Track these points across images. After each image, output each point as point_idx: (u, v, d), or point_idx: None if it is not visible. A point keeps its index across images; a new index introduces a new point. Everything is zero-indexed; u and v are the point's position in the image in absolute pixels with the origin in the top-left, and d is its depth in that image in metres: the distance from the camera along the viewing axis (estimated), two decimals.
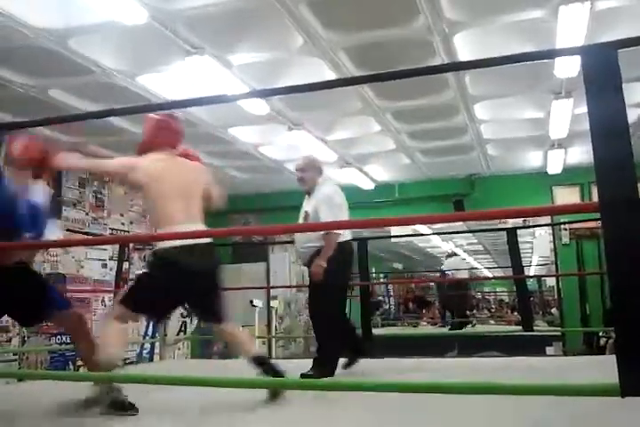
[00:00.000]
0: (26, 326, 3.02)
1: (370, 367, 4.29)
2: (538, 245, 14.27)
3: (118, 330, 2.98)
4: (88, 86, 5.35)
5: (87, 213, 7.97)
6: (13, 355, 6.67)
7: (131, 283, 3.09)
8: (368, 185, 9.28)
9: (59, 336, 7.12)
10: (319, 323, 4.19)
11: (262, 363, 3.06)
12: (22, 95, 5.43)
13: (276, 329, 10.36)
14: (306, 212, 4.19)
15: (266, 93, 4.79)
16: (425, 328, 12.28)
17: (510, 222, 8.73)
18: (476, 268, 19.86)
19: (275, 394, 2.96)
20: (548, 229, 9.95)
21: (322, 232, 3.96)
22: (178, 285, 2.96)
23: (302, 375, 3.76)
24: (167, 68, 5.06)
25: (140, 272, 3.12)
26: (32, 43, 4.46)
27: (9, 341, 6.57)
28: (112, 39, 4.55)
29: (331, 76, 5.19)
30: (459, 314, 10.79)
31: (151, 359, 6.66)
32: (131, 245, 7.75)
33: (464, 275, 11.39)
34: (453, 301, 10.82)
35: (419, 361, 5.01)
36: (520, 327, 6.93)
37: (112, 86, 5.29)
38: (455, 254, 12.24)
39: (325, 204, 4.07)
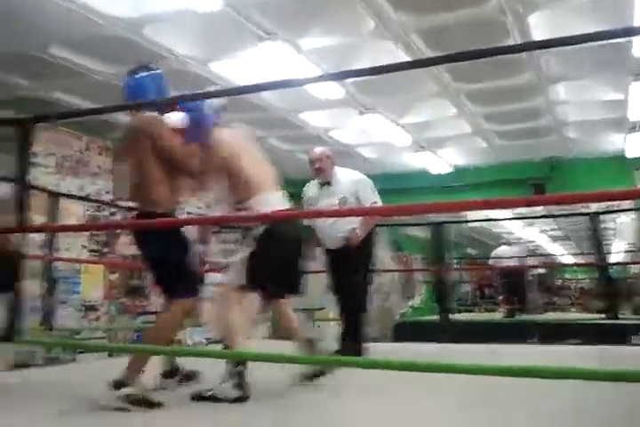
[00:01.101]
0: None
1: (446, 352, 4.27)
2: (621, 231, 13.76)
3: (244, 316, 2.94)
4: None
5: None
6: (103, 332, 7.01)
7: (238, 266, 2.99)
8: (443, 169, 9.18)
9: (144, 315, 7.44)
10: (356, 305, 4.25)
11: (312, 346, 3.06)
12: (101, 82, 5.62)
13: None
14: (344, 197, 4.16)
15: (338, 76, 4.77)
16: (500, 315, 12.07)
17: (592, 207, 8.45)
18: (553, 254, 19.34)
19: (316, 374, 2.94)
20: (632, 215, 9.58)
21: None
22: (285, 253, 2.97)
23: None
24: (240, 55, 5.14)
25: (247, 253, 2.98)
26: (108, 31, 4.62)
27: (98, 319, 6.91)
28: (186, 26, 4.66)
29: (404, 58, 5.13)
30: (515, 301, 10.57)
31: None
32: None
33: (513, 262, 11.17)
34: (506, 288, 10.63)
35: (496, 347, 4.95)
36: (603, 315, 6.73)
37: (186, 73, 5.40)
38: (507, 244, 12.04)
39: (368, 186, 4.26)
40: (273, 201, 2.97)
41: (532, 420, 2.34)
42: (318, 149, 4.46)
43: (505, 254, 10.92)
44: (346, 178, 4.26)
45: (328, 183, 4.29)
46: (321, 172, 4.29)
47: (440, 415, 2.50)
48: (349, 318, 4.23)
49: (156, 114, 3.01)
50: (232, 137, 3.15)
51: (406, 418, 2.42)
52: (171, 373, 3.17)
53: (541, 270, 12.45)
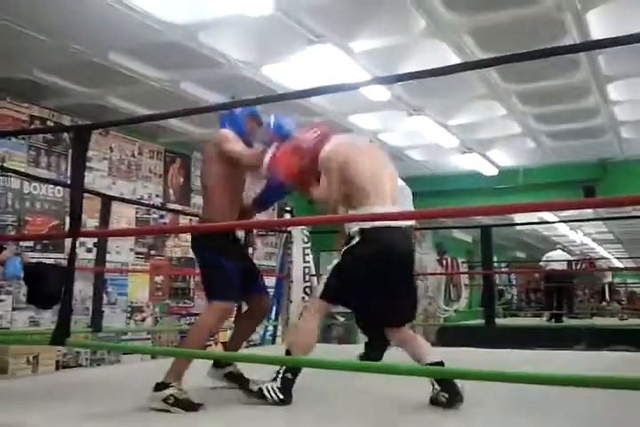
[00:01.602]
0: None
1: (492, 358, 4.20)
2: None
3: (315, 327, 2.89)
4: (217, 78, 5.54)
5: None
6: (147, 334, 7.09)
7: (326, 276, 2.93)
8: (491, 171, 9.02)
9: (188, 317, 7.50)
10: None
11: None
12: (155, 89, 5.70)
13: None
14: None
15: (389, 80, 4.73)
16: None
17: None
18: (604, 257, 18.86)
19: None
20: None
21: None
22: (380, 267, 2.80)
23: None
24: (290, 58, 5.13)
25: (336, 263, 2.91)
26: (163, 37, 4.66)
27: (143, 320, 6.99)
28: (239, 31, 4.67)
29: (454, 59, 5.06)
30: (562, 306, 10.33)
31: (274, 342, 6.85)
32: (254, 231, 7.99)
33: (561, 266, 10.90)
34: (557, 292, 10.40)
35: (543, 353, 4.85)
36: None
37: (239, 78, 5.43)
38: (562, 248, 11.80)
39: (408, 197, 4.13)
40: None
41: None
42: None
43: (556, 258, 10.72)
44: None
45: None
46: None
47: None
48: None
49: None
50: (349, 146, 3.07)
51: None
52: (222, 363, 3.22)
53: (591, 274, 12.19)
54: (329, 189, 2.94)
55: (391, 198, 2.95)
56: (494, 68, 5.42)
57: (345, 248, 2.89)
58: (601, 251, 18.64)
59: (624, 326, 9.11)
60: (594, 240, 16.75)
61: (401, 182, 4.07)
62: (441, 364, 2.73)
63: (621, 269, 16.71)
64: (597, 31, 4.57)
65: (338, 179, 2.92)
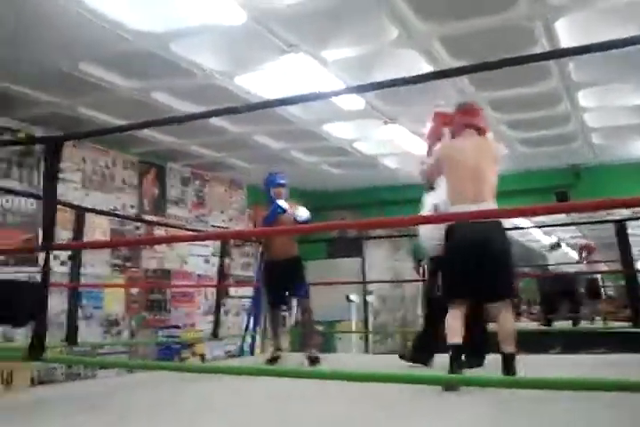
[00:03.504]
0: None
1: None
2: None
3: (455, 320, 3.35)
4: (189, 88, 5.52)
5: (189, 211, 8.24)
6: (123, 347, 7.00)
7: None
8: None
9: (165, 329, 7.42)
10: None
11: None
12: (128, 99, 5.66)
13: (372, 325, 10.36)
14: (435, 204, 4.16)
15: (361, 89, 4.77)
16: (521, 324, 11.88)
17: (618, 214, 8.31)
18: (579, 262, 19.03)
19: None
20: None
21: None
22: (463, 255, 3.34)
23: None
24: (264, 67, 5.14)
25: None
26: (135, 46, 4.63)
27: (119, 333, 6.90)
28: (211, 41, 4.66)
29: (427, 67, 5.11)
30: (572, 310, 10.29)
31: (252, 352, 6.81)
32: (231, 241, 7.96)
33: (573, 269, 10.84)
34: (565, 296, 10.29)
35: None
36: (629, 324, 6.59)
37: (212, 87, 5.43)
38: (558, 245, 11.60)
39: None
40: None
41: None
42: (421, 154, 4.81)
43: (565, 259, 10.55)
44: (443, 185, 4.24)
45: (431, 188, 4.39)
46: (423, 175, 4.40)
47: None
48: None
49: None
50: (462, 149, 3.57)
51: None
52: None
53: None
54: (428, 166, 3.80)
55: (472, 198, 3.37)
56: (466, 76, 5.47)
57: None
58: (575, 255, 18.82)
59: (598, 329, 9.19)
60: (567, 245, 16.93)
61: None
62: (512, 356, 3.28)
63: (596, 272, 16.85)
64: (566, 40, 4.65)
65: (436, 164, 3.68)
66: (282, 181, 4.98)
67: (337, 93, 4.36)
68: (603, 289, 11.20)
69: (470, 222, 3.34)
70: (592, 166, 8.68)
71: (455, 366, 3.20)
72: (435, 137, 3.81)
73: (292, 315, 7.00)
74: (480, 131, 3.70)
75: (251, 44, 4.66)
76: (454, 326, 3.32)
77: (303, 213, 4.81)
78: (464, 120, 3.69)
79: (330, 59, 4.99)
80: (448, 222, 3.45)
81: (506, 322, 3.37)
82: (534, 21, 4.45)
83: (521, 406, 2.66)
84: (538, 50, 4.73)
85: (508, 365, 3.26)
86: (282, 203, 4.78)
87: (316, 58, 4.92)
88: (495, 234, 3.41)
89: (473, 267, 3.30)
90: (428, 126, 3.88)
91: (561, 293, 10.10)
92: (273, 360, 4.94)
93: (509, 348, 3.32)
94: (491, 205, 3.37)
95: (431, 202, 4.24)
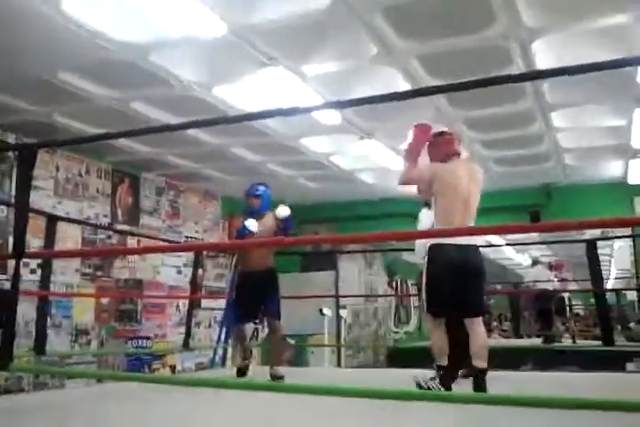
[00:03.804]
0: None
1: None
2: (617, 258, 13.76)
3: (441, 337, 3.59)
4: (167, 98, 5.51)
5: (163, 221, 8.19)
6: (93, 357, 6.90)
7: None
8: None
9: (135, 340, 7.34)
10: None
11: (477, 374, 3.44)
12: (105, 108, 5.63)
13: (344, 339, 10.35)
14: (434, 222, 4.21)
15: (339, 105, 4.79)
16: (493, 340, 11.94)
17: (588, 234, 8.45)
18: (550, 280, 19.24)
19: None
20: (629, 241, 9.58)
21: None
22: (448, 275, 3.51)
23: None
24: (242, 80, 5.15)
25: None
26: (115, 56, 4.62)
27: (88, 343, 6.81)
28: (191, 52, 4.66)
29: (404, 85, 5.16)
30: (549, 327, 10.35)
31: (223, 364, 6.76)
32: (204, 252, 7.92)
33: (549, 286, 10.93)
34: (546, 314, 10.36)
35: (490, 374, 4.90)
36: (599, 342, 6.68)
37: (190, 98, 5.42)
38: (539, 262, 11.68)
39: None
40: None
41: None
42: None
43: (545, 275, 10.64)
44: None
45: (427, 204, 4.51)
46: (420, 192, 4.42)
47: None
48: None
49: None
50: (456, 174, 3.69)
51: None
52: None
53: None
54: (413, 174, 3.74)
55: (460, 221, 3.55)
56: (443, 95, 5.55)
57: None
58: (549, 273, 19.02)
59: (568, 347, 9.28)
60: (540, 263, 17.10)
61: None
62: (485, 371, 3.42)
63: (566, 291, 17.03)
64: (542, 60, 4.74)
65: (424, 178, 3.73)
66: (256, 192, 4.85)
67: (316, 108, 4.39)
68: (569, 307, 11.29)
69: (454, 246, 3.50)
70: (563, 186, 8.82)
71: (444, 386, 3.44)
72: (418, 149, 3.79)
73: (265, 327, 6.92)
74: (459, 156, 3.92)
75: (230, 56, 4.67)
76: (443, 347, 3.57)
77: (283, 210, 4.70)
78: (451, 149, 3.84)
79: (309, 73, 5.02)
80: (433, 242, 3.60)
81: (478, 337, 3.47)
82: (511, 42, 4.53)
83: (494, 422, 2.68)
84: (514, 70, 4.82)
85: (480, 380, 3.33)
86: (249, 223, 4.63)
87: (296, 72, 4.95)
88: (475, 255, 3.64)
89: (455, 286, 3.50)
90: (409, 137, 3.85)
91: (538, 310, 10.19)
92: (242, 369, 4.88)
93: (482, 363, 3.40)
94: None
95: (428, 219, 4.26)
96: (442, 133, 3.95)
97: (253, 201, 4.84)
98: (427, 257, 3.64)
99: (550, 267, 11.23)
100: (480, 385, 3.33)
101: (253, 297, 4.83)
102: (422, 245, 4.28)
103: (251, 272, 4.88)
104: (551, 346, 9.41)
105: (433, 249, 3.58)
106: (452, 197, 3.59)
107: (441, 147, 3.83)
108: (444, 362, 3.56)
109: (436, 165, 3.77)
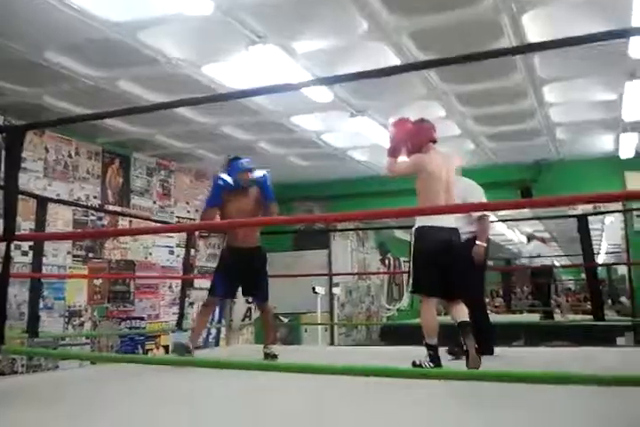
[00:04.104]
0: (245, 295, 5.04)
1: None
2: (608, 233, 13.83)
3: (431, 314, 3.82)
4: (155, 77, 5.44)
5: (154, 202, 8.16)
6: (86, 338, 6.91)
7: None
8: None
9: (128, 321, 7.35)
10: (481, 305, 4.78)
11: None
12: (93, 88, 5.56)
13: (337, 317, 10.40)
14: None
15: (331, 81, 4.77)
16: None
17: (580, 209, 8.47)
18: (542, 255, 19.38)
19: None
20: (620, 216, 9.62)
21: (474, 217, 4.69)
22: (436, 255, 3.78)
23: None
24: (231, 58, 5.09)
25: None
26: (102, 35, 4.55)
27: (82, 325, 6.81)
28: (179, 30, 4.59)
29: (395, 61, 5.12)
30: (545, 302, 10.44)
31: (217, 344, 6.79)
32: (196, 233, 7.90)
33: (547, 261, 10.99)
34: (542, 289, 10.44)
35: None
36: (590, 317, 6.74)
37: (178, 77, 5.36)
38: (535, 237, 11.74)
39: (476, 192, 4.77)
40: (430, 220, 3.79)
41: None
42: None
43: (542, 251, 10.68)
44: (459, 185, 4.55)
45: None
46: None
47: None
48: (477, 317, 4.46)
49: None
50: (435, 163, 3.96)
51: None
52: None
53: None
54: (399, 168, 4.01)
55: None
56: (434, 70, 5.51)
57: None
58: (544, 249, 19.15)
59: (560, 322, 9.37)
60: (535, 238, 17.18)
61: (469, 182, 4.87)
62: (467, 323, 3.75)
63: (565, 266, 17.14)
64: (533, 33, 4.70)
65: (410, 171, 3.97)
66: (251, 167, 4.77)
67: (306, 85, 4.35)
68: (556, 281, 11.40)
69: (439, 227, 3.81)
70: (555, 161, 8.82)
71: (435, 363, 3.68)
72: (400, 144, 4.04)
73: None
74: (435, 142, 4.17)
75: (219, 33, 4.60)
76: (434, 326, 3.76)
77: (258, 172, 4.69)
78: (429, 135, 4.11)
79: (299, 50, 4.96)
80: (419, 224, 3.87)
81: (459, 312, 3.83)
82: (501, 15, 4.48)
83: (490, 398, 2.70)
84: (505, 43, 4.79)
85: (466, 333, 3.71)
86: (224, 176, 4.62)
87: (285, 49, 4.89)
88: (458, 237, 3.99)
89: (440, 266, 3.79)
90: (390, 133, 4.12)
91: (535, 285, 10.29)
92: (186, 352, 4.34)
93: (464, 317, 3.78)
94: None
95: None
96: (422, 121, 4.18)
97: (247, 176, 4.74)
98: (414, 238, 3.88)
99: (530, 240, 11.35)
100: (466, 336, 3.71)
101: (236, 276, 4.72)
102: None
103: (237, 248, 4.77)
104: (541, 322, 9.52)
105: (419, 230, 3.85)
106: (436, 185, 3.88)
107: (422, 134, 4.08)
108: (434, 341, 3.73)
109: (420, 158, 4.01)
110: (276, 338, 5.33)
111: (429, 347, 3.72)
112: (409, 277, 3.94)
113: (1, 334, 2.54)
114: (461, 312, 3.80)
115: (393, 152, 4.03)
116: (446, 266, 3.79)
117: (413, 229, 3.91)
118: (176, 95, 5.40)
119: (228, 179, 4.62)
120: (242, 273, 4.69)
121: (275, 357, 4.57)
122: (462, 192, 4.55)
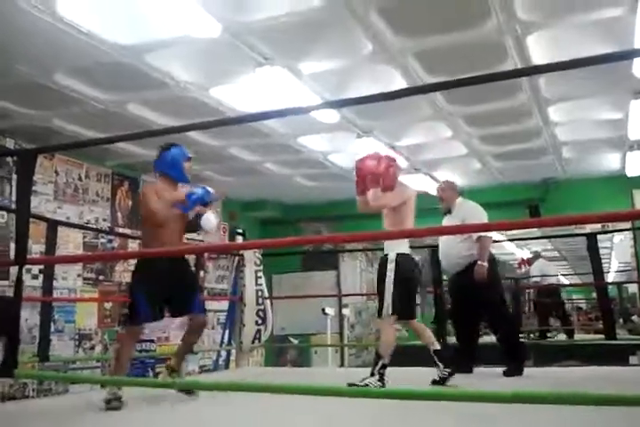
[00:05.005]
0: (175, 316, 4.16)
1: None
2: (618, 251, 13.75)
3: (393, 336, 4.08)
4: (164, 100, 5.50)
5: None
6: (96, 362, 6.89)
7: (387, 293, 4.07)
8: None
9: (138, 344, 7.32)
10: (510, 326, 4.97)
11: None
12: (102, 111, 5.62)
13: (347, 338, 10.33)
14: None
15: (337, 104, 4.82)
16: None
17: (588, 227, 8.43)
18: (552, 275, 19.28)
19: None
20: (629, 234, 9.58)
21: (474, 238, 4.76)
22: (412, 281, 4.17)
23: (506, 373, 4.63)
24: (239, 80, 5.14)
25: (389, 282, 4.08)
26: (110, 59, 4.61)
27: (92, 348, 6.80)
28: (187, 53, 4.65)
29: (401, 82, 5.16)
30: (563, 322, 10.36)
31: (227, 366, 6.75)
32: (205, 254, 7.91)
33: (553, 280, 10.90)
34: (549, 308, 10.38)
35: (491, 371, 4.89)
36: (601, 336, 6.68)
37: (186, 99, 5.42)
38: (540, 256, 11.67)
39: (477, 214, 4.83)
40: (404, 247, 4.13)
41: None
42: (442, 181, 5.47)
43: (548, 269, 10.62)
44: (463, 207, 4.87)
45: (449, 211, 5.01)
46: (441, 200, 5.08)
47: None
48: (507, 340, 4.82)
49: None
50: (410, 196, 4.31)
51: None
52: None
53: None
54: (385, 201, 4.17)
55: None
56: (440, 92, 5.55)
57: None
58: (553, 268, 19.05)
59: (571, 342, 9.28)
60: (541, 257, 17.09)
61: (472, 205, 5.01)
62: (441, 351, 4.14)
63: (574, 285, 17.03)
64: (537, 55, 4.74)
65: (397, 203, 4.18)
66: (189, 155, 3.99)
67: (313, 109, 4.40)
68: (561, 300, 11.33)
69: (411, 255, 4.21)
70: (561, 180, 8.81)
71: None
72: (378, 180, 4.18)
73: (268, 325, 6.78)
74: None
75: (226, 56, 4.66)
76: (392, 345, 4.01)
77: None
78: (398, 174, 4.38)
79: (305, 72, 5.01)
80: (399, 251, 4.12)
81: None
82: (505, 36, 4.53)
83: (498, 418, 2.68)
84: (510, 65, 4.83)
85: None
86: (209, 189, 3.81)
87: (292, 71, 4.95)
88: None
89: (415, 291, 4.24)
90: (379, 165, 4.20)
91: (550, 304, 10.22)
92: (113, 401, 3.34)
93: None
94: None
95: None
96: (393, 160, 4.35)
97: (189, 166, 4.04)
98: (394, 264, 4.07)
99: (520, 263, 11.36)
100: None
101: (162, 294, 3.78)
102: (451, 246, 4.88)
103: (161, 261, 3.77)
104: (552, 341, 9.43)
105: (402, 257, 4.10)
106: (411, 216, 4.23)
107: (395, 172, 4.27)
108: (388, 360, 3.93)
109: (409, 190, 4.45)
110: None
111: (384, 366, 3.92)
112: (380, 300, 4.08)
113: (14, 359, 2.54)
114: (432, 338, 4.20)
115: (375, 185, 4.17)
116: (414, 292, 4.24)
117: (393, 254, 4.09)
118: (184, 118, 5.48)
119: (199, 191, 3.79)
120: (169, 286, 3.75)
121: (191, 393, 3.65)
122: (464, 214, 4.75)
